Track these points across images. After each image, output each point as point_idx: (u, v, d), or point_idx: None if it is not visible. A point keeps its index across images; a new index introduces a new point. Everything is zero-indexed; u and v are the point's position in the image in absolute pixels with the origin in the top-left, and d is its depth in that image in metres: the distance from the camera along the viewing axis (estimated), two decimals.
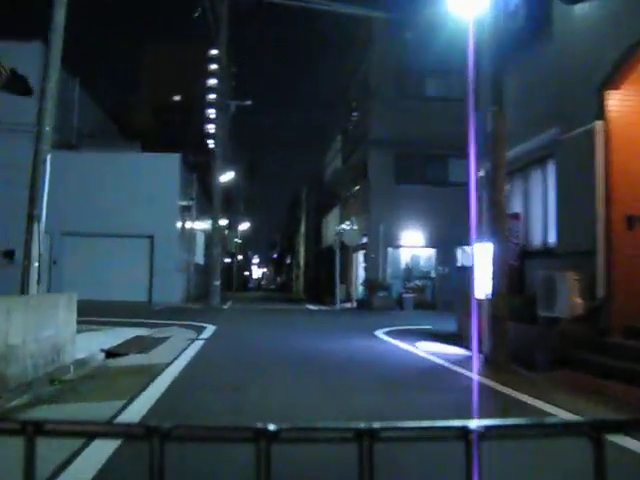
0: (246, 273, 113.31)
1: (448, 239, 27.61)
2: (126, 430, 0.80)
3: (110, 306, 23.84)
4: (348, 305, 28.82)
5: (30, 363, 7.19)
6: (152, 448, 0.72)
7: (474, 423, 0.72)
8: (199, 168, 43.86)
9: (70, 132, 30.94)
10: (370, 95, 28.45)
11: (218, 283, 27.38)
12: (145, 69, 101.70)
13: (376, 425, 0.71)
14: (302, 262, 57.90)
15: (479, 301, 11.54)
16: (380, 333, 14.58)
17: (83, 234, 27.40)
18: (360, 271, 31.71)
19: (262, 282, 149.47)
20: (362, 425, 0.72)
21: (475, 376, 8.44)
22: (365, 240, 28.08)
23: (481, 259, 11.68)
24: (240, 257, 75.44)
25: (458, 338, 13.39)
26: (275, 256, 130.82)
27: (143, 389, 6.80)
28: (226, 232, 66.99)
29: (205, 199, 40.45)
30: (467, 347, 12.05)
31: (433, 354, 10.93)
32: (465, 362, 10.07)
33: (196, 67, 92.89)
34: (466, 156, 26.76)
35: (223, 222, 58.71)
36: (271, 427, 0.71)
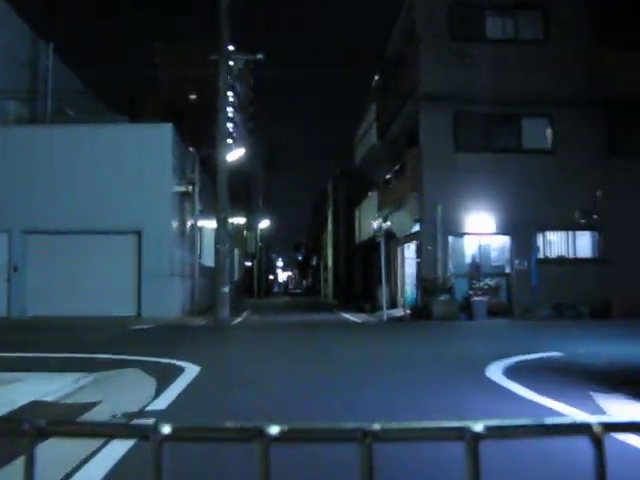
0: (271, 277, 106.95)
1: (526, 223, 21.00)
2: (126, 431, 0.79)
3: (81, 325, 17.68)
4: (398, 313, 22.20)
5: None
6: (152, 449, 0.73)
7: (475, 423, 0.71)
8: (208, 162, 38.53)
9: (43, 106, 24.80)
10: (417, 39, 21.86)
11: (227, 290, 20.90)
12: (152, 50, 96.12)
13: (376, 426, 0.72)
14: (330, 263, 51.38)
15: None
16: (495, 374, 7.95)
17: (52, 231, 21.12)
18: (408, 269, 25.13)
19: (289, 286, 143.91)
20: (362, 426, 0.72)
21: None
22: (417, 228, 21.47)
23: None
24: (262, 260, 68.99)
25: None
26: (300, 258, 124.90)
27: None
28: (245, 232, 60.74)
29: (215, 192, 34.38)
30: None
31: None
32: None
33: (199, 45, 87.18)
34: (546, 115, 19.98)
35: (240, 220, 52.55)
36: (271, 428, 0.72)
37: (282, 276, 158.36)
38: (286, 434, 0.72)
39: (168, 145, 21.58)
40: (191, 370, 8.43)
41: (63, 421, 0.77)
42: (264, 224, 62.15)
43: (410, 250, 25.03)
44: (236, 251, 48.19)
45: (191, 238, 25.26)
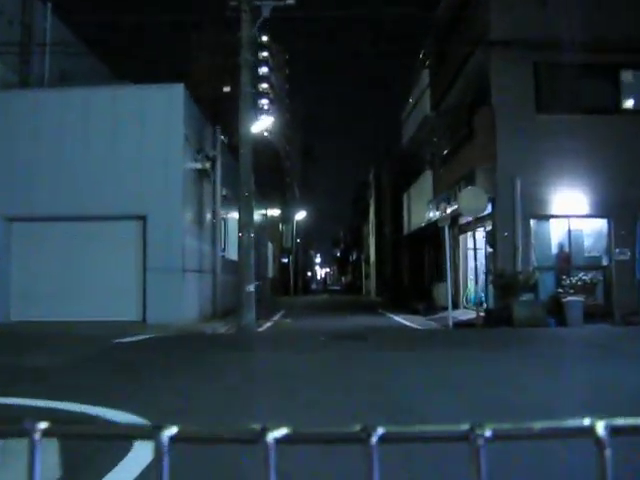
0: (308, 274, 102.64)
1: (628, 202, 16.50)
2: (130, 432, 0.79)
3: (64, 335, 13.90)
4: (464, 316, 17.86)
5: None
6: (157, 449, 0.72)
7: (479, 426, 0.71)
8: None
9: (39, 73, 20.96)
10: None
11: (252, 289, 16.82)
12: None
13: (381, 428, 0.70)
14: (373, 257, 47.13)
15: None
16: None
17: (40, 218, 17.25)
18: (472, 261, 20.83)
19: (327, 282, 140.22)
20: (367, 428, 0.71)
21: None
22: (488, 210, 17.06)
23: None
24: (299, 255, 64.80)
25: None
26: (338, 254, 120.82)
27: None
28: (280, 226, 56.75)
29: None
30: None
31: None
32: None
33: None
34: None
35: (275, 211, 48.55)
36: (277, 430, 0.71)
37: (320, 273, 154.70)
38: (290, 436, 0.71)
39: (179, 111, 17.49)
40: (140, 456, 4.28)
41: (65, 423, 0.75)
42: (301, 215, 57.86)
43: (475, 239, 20.74)
44: (270, 245, 44.23)
45: (212, 227, 21.22)
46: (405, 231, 30.65)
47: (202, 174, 19.63)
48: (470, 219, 18.99)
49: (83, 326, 15.66)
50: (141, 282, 17.12)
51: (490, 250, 17.66)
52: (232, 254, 23.32)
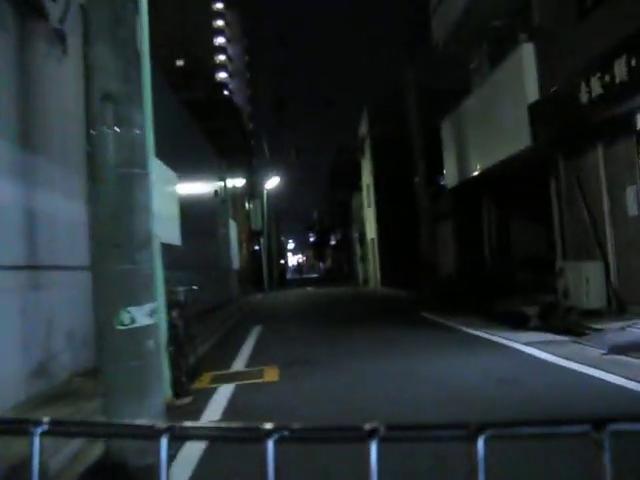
0: (281, 262, 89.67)
1: None
2: (134, 430, 0.77)
3: None
4: None
5: None
6: (159, 447, 0.71)
7: (477, 423, 0.69)
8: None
9: None
10: None
11: (150, 319, 4.85)
12: None
13: (381, 425, 0.70)
14: (373, 234, 35.21)
15: None
16: None
17: None
18: None
19: (302, 271, 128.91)
20: (366, 425, 0.70)
21: None
22: None
23: None
24: (272, 240, 52.27)
25: None
26: (312, 238, 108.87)
27: None
28: (247, 205, 44.61)
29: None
30: None
31: None
32: None
33: None
34: None
35: (238, 182, 36.34)
36: (278, 428, 0.70)
37: (293, 260, 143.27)
38: (291, 434, 0.70)
39: None
40: None
41: (66, 421, 0.75)
42: (273, 183, 45.23)
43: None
44: (234, 225, 32.10)
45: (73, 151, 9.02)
46: (450, 181, 18.66)
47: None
48: None
49: None
50: None
51: None
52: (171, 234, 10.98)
